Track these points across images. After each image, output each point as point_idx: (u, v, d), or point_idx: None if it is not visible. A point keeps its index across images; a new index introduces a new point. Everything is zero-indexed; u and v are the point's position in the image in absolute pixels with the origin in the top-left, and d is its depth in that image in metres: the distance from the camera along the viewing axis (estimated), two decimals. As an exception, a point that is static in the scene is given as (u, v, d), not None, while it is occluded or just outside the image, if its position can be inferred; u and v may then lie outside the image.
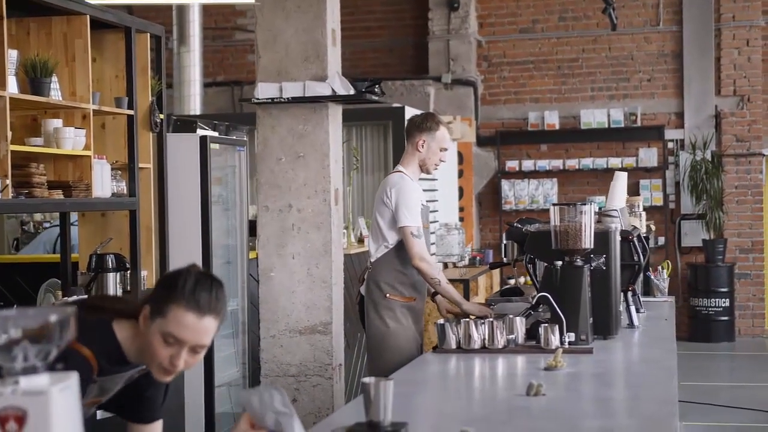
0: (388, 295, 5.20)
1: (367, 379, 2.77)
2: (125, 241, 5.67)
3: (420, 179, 5.38)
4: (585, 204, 4.46)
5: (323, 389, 5.66)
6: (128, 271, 5.59)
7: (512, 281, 11.93)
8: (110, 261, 5.46)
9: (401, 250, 5.17)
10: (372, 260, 5.35)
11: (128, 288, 5.62)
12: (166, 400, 2.96)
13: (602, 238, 4.58)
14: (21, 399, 1.75)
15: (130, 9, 12.71)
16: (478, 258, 11.27)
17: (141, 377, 2.83)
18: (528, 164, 12.84)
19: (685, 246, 12.62)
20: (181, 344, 2.59)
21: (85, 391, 2.66)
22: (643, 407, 3.14)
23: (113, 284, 5.47)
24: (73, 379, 1.83)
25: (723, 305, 12.17)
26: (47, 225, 8.18)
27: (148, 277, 5.86)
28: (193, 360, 2.65)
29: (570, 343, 4.28)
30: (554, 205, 4.50)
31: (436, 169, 5.39)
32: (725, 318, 12.20)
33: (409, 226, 5.07)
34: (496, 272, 11.25)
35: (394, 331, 5.17)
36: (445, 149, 5.31)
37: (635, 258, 5.08)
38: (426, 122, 5.30)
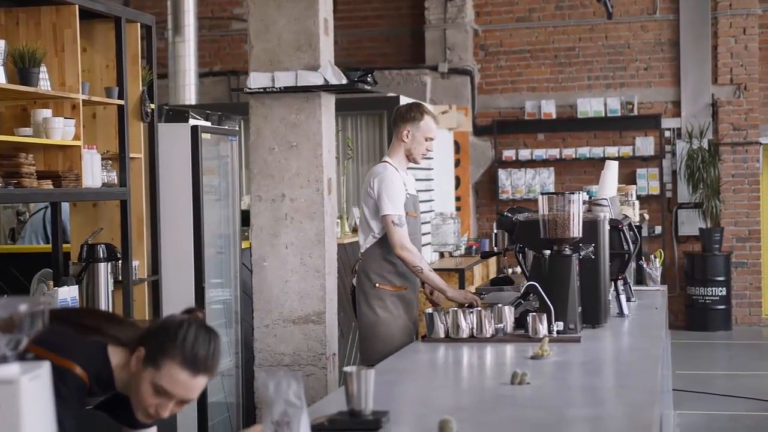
0: (377, 284, 5.22)
1: (348, 368, 2.79)
2: (117, 231, 5.67)
3: (416, 168, 5.39)
4: (573, 193, 4.46)
5: (317, 379, 5.66)
6: (119, 261, 5.59)
7: (509, 270, 11.95)
8: (101, 251, 5.45)
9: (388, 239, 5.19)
10: (361, 251, 5.37)
11: (119, 278, 5.62)
12: None
13: (591, 227, 4.58)
14: (-10, 388, 1.76)
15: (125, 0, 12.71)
16: (474, 247, 11.27)
17: None
18: (525, 153, 12.83)
19: (682, 235, 12.62)
20: (171, 397, 2.62)
21: (78, 409, 2.66)
22: (624, 395, 3.15)
23: (104, 274, 5.46)
24: (44, 368, 1.83)
25: (720, 294, 12.18)
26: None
27: (140, 267, 5.86)
28: (177, 409, 2.67)
29: (558, 332, 4.29)
30: (543, 194, 4.51)
31: (424, 158, 5.40)
32: (722, 307, 12.21)
33: (390, 215, 5.09)
34: (492, 262, 11.26)
35: (384, 321, 5.19)
36: (431, 139, 5.31)
37: (625, 247, 5.07)
38: (410, 112, 5.31)
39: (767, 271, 12.86)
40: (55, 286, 5.28)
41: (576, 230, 4.43)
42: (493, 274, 10.79)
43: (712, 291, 12.18)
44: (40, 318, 1.85)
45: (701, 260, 12.25)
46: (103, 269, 5.48)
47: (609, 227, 4.81)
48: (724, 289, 12.19)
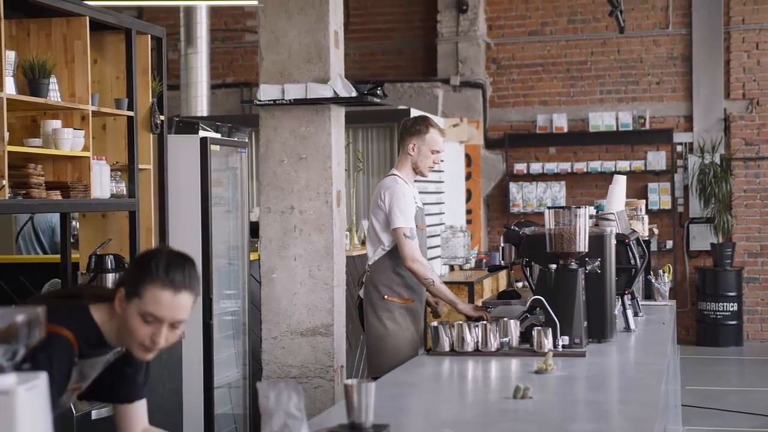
0: (386, 296, 5.23)
1: (348, 381, 2.79)
2: (125, 242, 5.69)
3: (427, 181, 5.41)
4: (579, 208, 4.46)
5: (325, 391, 5.66)
6: (127, 272, 5.60)
7: (520, 284, 11.93)
8: (109, 262, 5.48)
9: (398, 252, 5.20)
10: (370, 263, 5.38)
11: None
12: (147, 381, 3.02)
13: (597, 241, 4.57)
14: (-14, 398, 1.76)
15: (140, 10, 12.79)
16: (485, 261, 11.27)
17: (118, 359, 2.88)
18: (536, 167, 12.82)
19: (694, 249, 12.59)
20: (160, 322, 2.68)
21: (69, 374, 2.72)
22: (627, 411, 3.14)
23: (112, 285, 5.49)
24: (41, 379, 1.84)
25: (731, 309, 12.13)
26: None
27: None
28: (172, 336, 2.73)
29: (564, 346, 4.28)
30: (549, 208, 4.50)
31: (431, 171, 5.41)
32: (733, 322, 12.16)
33: (401, 228, 5.11)
34: (503, 275, 11.24)
35: (392, 333, 5.20)
36: (437, 151, 5.33)
37: (632, 262, 5.07)
38: (416, 126, 5.34)
39: (779, 287, 12.82)
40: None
41: (582, 245, 4.42)
42: (503, 288, 10.77)
43: (723, 306, 12.13)
44: (37, 328, 1.86)
45: (713, 275, 12.21)
46: (111, 280, 5.49)
47: (616, 242, 4.80)
48: (736, 304, 12.15)
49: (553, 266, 4.44)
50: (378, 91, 6.47)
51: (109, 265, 5.47)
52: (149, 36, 5.92)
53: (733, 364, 11.53)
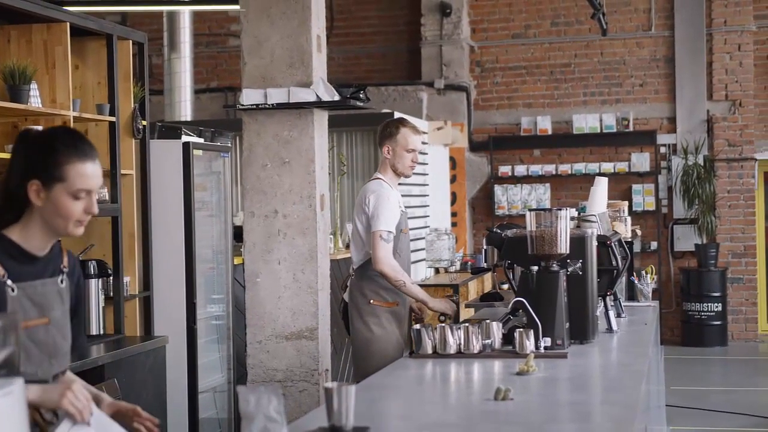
0: (372, 301, 5.24)
1: (328, 384, 2.80)
2: (107, 247, 5.69)
3: (411, 184, 5.43)
4: (561, 209, 4.48)
5: (309, 395, 5.67)
6: (110, 278, 5.60)
7: (506, 286, 11.94)
8: (92, 267, 5.47)
9: None
10: (354, 267, 5.38)
11: (110, 294, 5.63)
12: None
13: (579, 243, 4.58)
14: (-38, 404, 1.77)
15: (124, 15, 12.77)
16: (470, 263, 11.28)
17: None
18: (521, 169, 12.85)
19: (678, 250, 12.64)
20: (90, 193, 2.73)
21: (3, 300, 2.65)
22: (606, 411, 3.15)
23: (95, 291, 5.48)
24: (16, 384, 1.84)
25: (715, 310, 12.18)
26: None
27: (131, 283, 5.87)
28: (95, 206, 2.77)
29: (546, 348, 4.29)
30: (530, 210, 4.52)
31: (412, 171, 5.42)
32: (718, 322, 12.21)
33: (379, 230, 5.12)
34: (488, 277, 11.27)
35: (378, 337, 5.21)
36: (412, 150, 5.35)
37: (613, 263, 5.08)
38: (387, 129, 5.38)
39: (763, 287, 12.87)
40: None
41: (563, 246, 4.44)
42: (488, 290, 10.79)
43: (707, 307, 12.18)
44: (14, 333, 1.86)
45: (697, 276, 12.26)
46: (94, 285, 5.49)
47: (597, 243, 4.82)
48: (720, 304, 12.20)
49: (535, 268, 4.45)
50: (361, 95, 6.49)
51: (92, 271, 5.46)
52: (131, 41, 5.92)
53: (718, 364, 11.58)
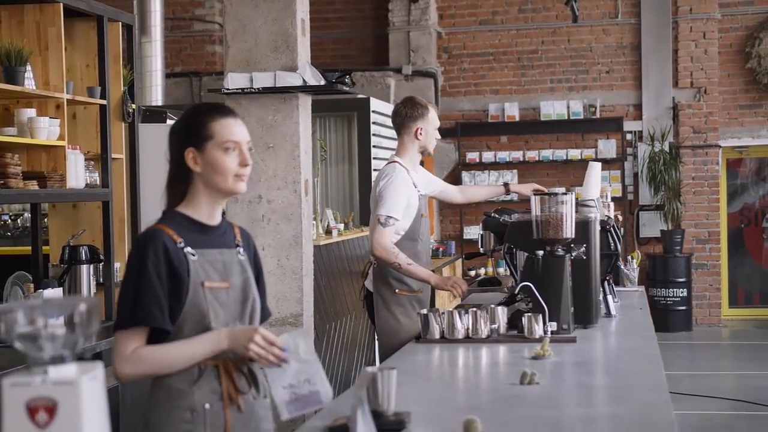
0: (397, 290, 5.17)
1: (370, 369, 2.77)
2: (97, 232, 5.60)
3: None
4: (566, 193, 4.48)
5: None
6: (101, 263, 5.52)
7: (482, 271, 11.99)
8: (84, 253, 5.39)
9: (405, 242, 5.13)
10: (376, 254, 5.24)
11: (101, 280, 5.55)
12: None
13: (583, 227, 4.60)
14: (51, 389, 1.73)
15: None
16: (441, 249, 11.31)
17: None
18: (488, 156, 12.88)
19: (644, 237, 12.76)
20: (238, 144, 2.86)
21: (186, 264, 2.78)
22: (636, 395, 3.16)
23: (86, 276, 5.40)
24: (99, 368, 1.81)
25: (681, 295, 12.32)
26: (27, 215, 8.07)
27: (122, 268, 5.79)
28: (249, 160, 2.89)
29: (552, 332, 4.30)
30: (535, 194, 4.52)
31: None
32: (683, 308, 12.36)
33: (380, 215, 5.04)
34: (459, 263, 11.31)
35: (405, 326, 5.13)
36: (437, 127, 5.39)
37: (612, 247, 5.11)
38: (417, 110, 5.30)
39: (726, 273, 13.04)
40: (37, 289, 5.21)
41: (569, 231, 4.45)
42: (460, 275, 10.82)
43: (673, 292, 12.32)
44: (97, 317, 1.82)
45: (662, 262, 12.38)
46: (86, 271, 5.41)
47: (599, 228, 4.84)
48: (685, 290, 12.34)
49: (540, 253, 4.45)
50: (346, 80, 6.46)
51: (84, 256, 5.38)
52: (120, 23, 5.83)
53: (684, 348, 11.71)
